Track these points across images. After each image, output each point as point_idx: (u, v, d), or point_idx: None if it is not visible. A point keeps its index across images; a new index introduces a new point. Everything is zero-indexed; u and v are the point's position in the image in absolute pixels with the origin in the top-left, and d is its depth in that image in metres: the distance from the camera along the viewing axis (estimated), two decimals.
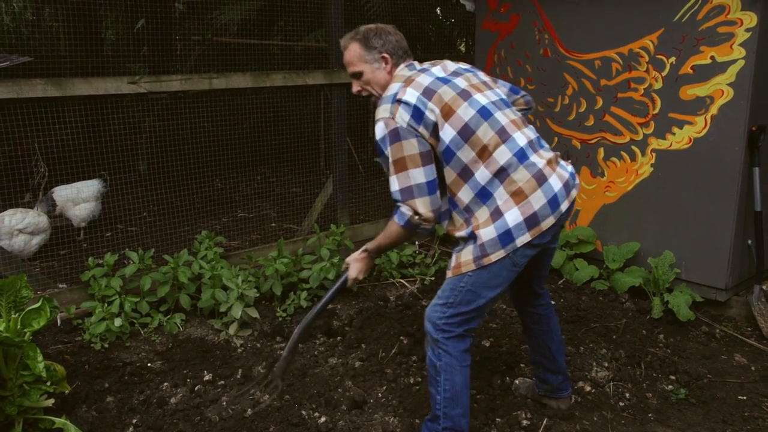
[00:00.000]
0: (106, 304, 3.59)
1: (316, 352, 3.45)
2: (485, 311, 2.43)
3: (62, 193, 4.78)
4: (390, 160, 2.31)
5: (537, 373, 2.91)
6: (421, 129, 2.29)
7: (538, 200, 2.27)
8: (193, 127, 6.41)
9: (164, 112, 5.82)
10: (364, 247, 2.62)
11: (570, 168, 2.46)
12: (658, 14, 3.83)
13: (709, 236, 3.82)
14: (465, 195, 2.33)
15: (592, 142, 4.29)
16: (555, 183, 2.33)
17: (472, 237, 2.31)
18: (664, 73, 3.86)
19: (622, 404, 3.02)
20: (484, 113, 2.33)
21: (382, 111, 2.34)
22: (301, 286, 4.03)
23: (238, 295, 3.59)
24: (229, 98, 7.24)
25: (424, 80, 2.37)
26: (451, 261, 2.39)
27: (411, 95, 2.31)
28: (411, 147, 2.28)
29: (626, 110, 4.08)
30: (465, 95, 2.34)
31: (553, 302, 3.97)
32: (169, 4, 6.22)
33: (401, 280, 4.42)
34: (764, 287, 3.93)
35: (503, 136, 2.32)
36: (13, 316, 2.60)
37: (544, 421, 2.81)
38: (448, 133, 2.29)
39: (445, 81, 2.38)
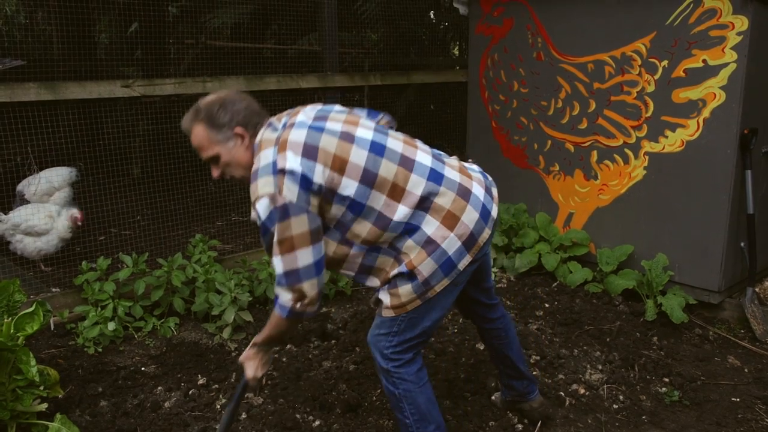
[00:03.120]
0: (99, 308, 3.58)
1: (310, 356, 3.45)
2: (433, 333, 2.32)
3: (31, 189, 4.60)
4: (275, 239, 2.00)
5: (502, 380, 2.85)
6: (312, 199, 2.01)
7: (470, 218, 2.12)
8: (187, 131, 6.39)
9: (158, 115, 5.79)
10: (252, 341, 2.31)
11: (477, 167, 2.30)
12: (650, 18, 3.85)
13: (703, 239, 3.83)
14: (386, 238, 2.12)
15: (586, 145, 4.31)
16: (478, 191, 2.17)
17: (409, 274, 2.11)
18: (656, 77, 3.88)
19: (616, 407, 3.02)
20: (377, 149, 2.08)
21: (264, 185, 2.00)
22: None
23: (232, 298, 3.59)
24: None
25: (299, 137, 2.05)
26: (386, 298, 2.18)
27: (293, 161, 2.00)
28: (301, 224, 1.98)
29: (619, 113, 4.09)
30: (347, 137, 2.08)
31: (547, 305, 4.01)
32: (162, 8, 6.21)
33: None
34: (757, 289, 3.96)
35: (407, 164, 2.09)
36: (6, 320, 2.59)
37: (539, 424, 2.82)
38: (349, 187, 2.04)
39: (319, 129, 2.08)
